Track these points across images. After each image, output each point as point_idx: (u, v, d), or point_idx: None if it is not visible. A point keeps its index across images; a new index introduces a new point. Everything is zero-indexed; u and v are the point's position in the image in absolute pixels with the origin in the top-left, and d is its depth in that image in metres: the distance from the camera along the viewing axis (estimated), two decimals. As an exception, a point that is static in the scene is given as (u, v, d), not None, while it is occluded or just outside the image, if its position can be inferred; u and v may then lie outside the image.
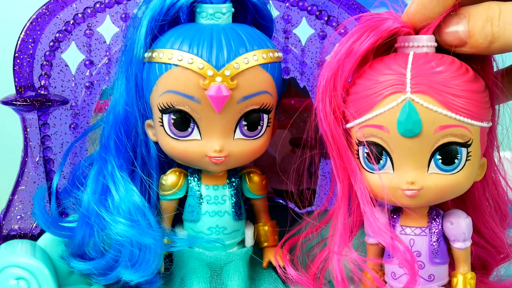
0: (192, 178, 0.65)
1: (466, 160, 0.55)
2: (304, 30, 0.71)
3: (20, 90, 0.69)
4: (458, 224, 0.58)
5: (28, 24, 0.68)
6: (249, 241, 0.66)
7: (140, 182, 0.64)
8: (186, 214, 0.65)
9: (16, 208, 0.71)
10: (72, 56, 0.70)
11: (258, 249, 0.68)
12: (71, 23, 0.69)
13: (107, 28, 0.70)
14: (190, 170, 0.65)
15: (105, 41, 0.70)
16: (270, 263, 0.68)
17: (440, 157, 0.55)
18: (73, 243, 0.65)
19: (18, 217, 0.71)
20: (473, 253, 0.61)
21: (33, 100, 0.68)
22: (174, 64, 0.59)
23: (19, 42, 0.68)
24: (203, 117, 0.60)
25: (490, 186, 0.61)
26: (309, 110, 0.63)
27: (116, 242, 0.62)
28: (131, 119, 0.63)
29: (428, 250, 0.58)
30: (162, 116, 0.61)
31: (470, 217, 0.59)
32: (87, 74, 0.70)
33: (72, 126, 0.71)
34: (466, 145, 0.55)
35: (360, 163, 0.57)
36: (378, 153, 0.56)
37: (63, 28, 0.69)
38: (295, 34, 0.71)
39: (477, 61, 0.57)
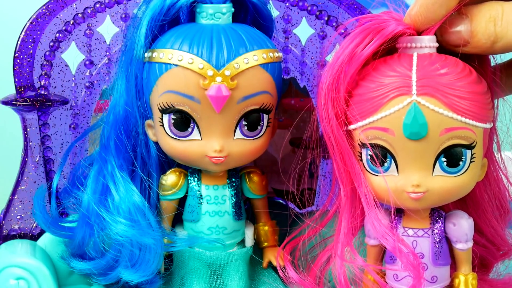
0: (192, 178, 0.65)
1: (471, 162, 0.55)
2: (304, 30, 0.71)
3: (20, 90, 0.69)
4: (461, 225, 0.58)
5: (28, 24, 0.68)
6: (249, 241, 0.66)
7: (140, 182, 0.64)
8: (186, 214, 0.65)
9: (16, 208, 0.71)
10: (72, 56, 0.70)
11: (258, 249, 0.68)
12: (71, 23, 0.69)
13: (107, 28, 0.70)
14: (190, 170, 0.65)
15: (105, 41, 0.70)
16: (270, 263, 0.68)
17: (445, 160, 0.55)
18: (73, 243, 0.65)
19: (18, 217, 0.71)
20: (474, 252, 0.61)
21: (33, 100, 0.68)
22: (174, 64, 0.59)
23: (19, 42, 0.68)
24: (203, 117, 0.60)
25: (491, 184, 0.61)
26: (309, 110, 0.63)
27: (116, 242, 0.62)
28: (131, 119, 0.63)
29: (431, 252, 0.58)
30: (162, 116, 0.61)
31: (472, 217, 0.59)
32: (87, 74, 0.70)
33: (72, 126, 0.71)
34: (470, 147, 0.55)
35: (363, 166, 0.57)
36: (383, 155, 0.55)
37: (63, 28, 0.69)
38: (295, 34, 0.71)
39: (476, 58, 0.57)
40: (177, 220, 0.66)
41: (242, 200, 0.66)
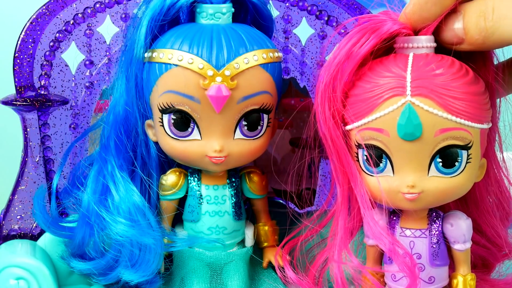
0: (192, 178, 0.65)
1: (467, 162, 0.55)
2: (304, 30, 0.71)
3: (20, 90, 0.69)
4: (458, 226, 0.58)
5: (28, 24, 0.68)
6: (249, 241, 0.66)
7: (140, 182, 0.64)
8: (186, 214, 0.65)
9: (16, 208, 0.71)
10: (72, 56, 0.70)
11: (258, 249, 0.68)
12: (71, 23, 0.69)
13: (107, 28, 0.70)
14: (190, 170, 0.65)
15: (105, 41, 0.70)
16: (270, 263, 0.68)
17: (440, 160, 0.55)
18: (73, 243, 0.65)
19: (18, 217, 0.71)
20: (475, 253, 0.61)
21: (33, 100, 0.68)
22: (174, 64, 0.59)
23: (19, 42, 0.68)
24: (203, 117, 0.60)
25: (492, 185, 0.61)
26: (309, 110, 0.63)
27: (116, 242, 0.62)
28: (131, 119, 0.63)
29: (428, 252, 0.58)
30: (162, 116, 0.61)
31: (472, 217, 0.59)
32: (87, 74, 0.70)
33: (72, 126, 0.71)
34: (466, 147, 0.55)
35: (360, 166, 0.57)
36: (378, 156, 0.55)
37: (63, 28, 0.69)
38: (295, 34, 0.71)
39: (479, 57, 0.57)
40: (177, 220, 0.66)
41: (242, 200, 0.66)
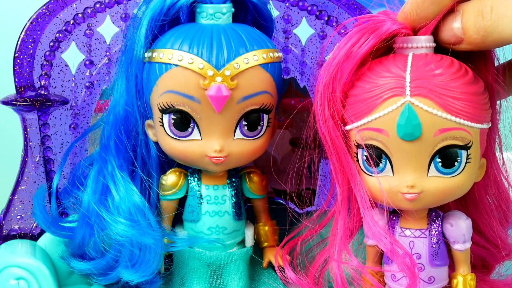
0: (192, 178, 0.65)
1: (466, 162, 0.55)
2: (304, 30, 0.71)
3: (20, 90, 0.69)
4: (458, 226, 0.58)
5: (28, 24, 0.68)
6: (249, 241, 0.66)
7: (140, 182, 0.64)
8: (186, 214, 0.65)
9: (16, 208, 0.71)
10: (72, 56, 0.70)
11: (258, 249, 0.68)
12: (71, 23, 0.69)
13: (107, 28, 0.70)
14: (190, 170, 0.65)
15: (105, 41, 0.70)
16: (270, 263, 0.68)
17: (440, 160, 0.55)
18: (73, 243, 0.65)
19: (18, 217, 0.71)
20: (474, 253, 0.61)
21: (33, 100, 0.68)
22: (174, 64, 0.59)
23: (19, 42, 0.68)
24: (203, 117, 0.60)
25: (492, 186, 0.61)
26: (309, 110, 0.63)
27: (116, 242, 0.62)
28: (131, 119, 0.63)
29: (428, 252, 0.58)
30: (162, 116, 0.61)
31: (471, 218, 0.59)
32: (87, 74, 0.70)
33: (72, 126, 0.71)
34: (466, 147, 0.55)
35: (359, 166, 0.57)
36: (378, 156, 0.55)
37: (63, 28, 0.69)
38: (295, 34, 0.71)
39: (479, 57, 0.57)
40: (177, 220, 0.66)
41: (242, 200, 0.66)
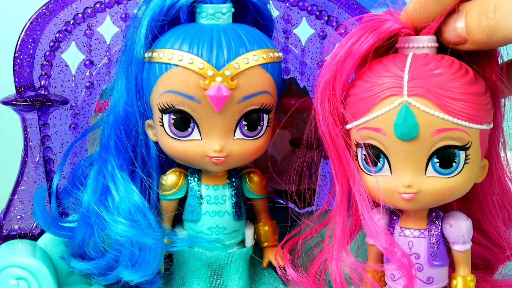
0: (192, 178, 0.65)
1: (465, 163, 0.55)
2: (304, 30, 0.71)
3: (20, 90, 0.69)
4: (458, 227, 0.58)
5: (28, 24, 0.68)
6: (249, 241, 0.66)
7: (140, 182, 0.64)
8: (186, 214, 0.65)
9: (16, 208, 0.71)
10: (72, 56, 0.70)
11: (258, 249, 0.68)
12: (71, 23, 0.69)
13: (107, 28, 0.70)
14: (190, 170, 0.65)
15: (105, 41, 0.70)
16: (270, 263, 0.68)
17: (437, 161, 0.54)
18: (73, 243, 0.65)
19: (18, 217, 0.71)
20: (477, 254, 0.61)
21: (33, 100, 0.68)
22: (174, 64, 0.59)
23: (19, 42, 0.68)
24: (203, 117, 0.60)
25: (496, 186, 0.61)
26: (309, 110, 0.63)
27: (116, 242, 0.62)
28: (131, 119, 0.63)
29: (426, 253, 0.58)
30: (162, 116, 0.61)
31: (475, 218, 0.59)
32: (87, 74, 0.70)
33: (72, 126, 0.71)
34: (464, 148, 0.54)
35: (359, 165, 0.57)
36: (376, 155, 0.55)
37: (63, 28, 0.69)
38: (295, 34, 0.71)
39: (483, 56, 0.57)
40: (177, 220, 0.66)
41: (242, 200, 0.66)
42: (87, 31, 0.69)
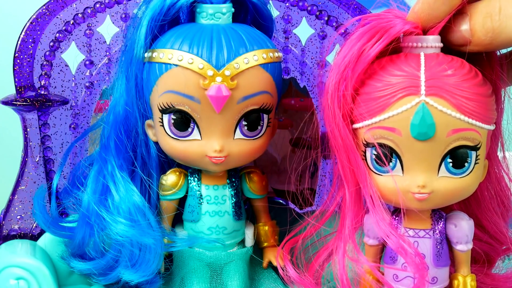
0: (192, 178, 0.65)
1: (475, 163, 0.55)
2: (304, 30, 0.71)
3: (20, 90, 0.69)
4: (461, 227, 0.58)
5: (28, 24, 0.68)
6: (249, 241, 0.66)
7: (140, 182, 0.64)
8: (186, 214, 0.65)
9: (16, 208, 0.71)
10: (72, 56, 0.70)
11: (258, 249, 0.68)
12: (71, 23, 0.69)
13: (107, 28, 0.70)
14: (190, 170, 0.65)
15: (105, 41, 0.70)
16: (270, 263, 0.68)
17: (451, 161, 0.54)
18: (73, 243, 0.65)
19: (18, 217, 0.71)
20: (477, 248, 0.61)
21: (33, 100, 0.68)
22: (174, 64, 0.59)
23: (19, 42, 0.68)
24: (203, 117, 0.60)
25: (493, 182, 0.61)
26: (309, 110, 0.63)
27: (116, 242, 0.62)
28: (131, 119, 0.63)
29: (432, 253, 0.58)
30: (162, 116, 0.61)
31: (474, 215, 0.59)
32: (87, 74, 0.70)
33: (72, 126, 0.71)
34: (476, 148, 0.55)
35: (367, 165, 0.57)
36: (388, 155, 0.55)
37: (63, 28, 0.69)
38: (295, 34, 0.71)
39: (483, 57, 0.57)
40: (177, 220, 0.66)
41: (242, 200, 0.66)
42: (87, 31, 0.69)
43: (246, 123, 0.61)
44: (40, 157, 0.70)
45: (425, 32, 0.56)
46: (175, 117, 0.60)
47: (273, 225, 0.68)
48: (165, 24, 0.61)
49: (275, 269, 0.67)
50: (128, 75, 0.62)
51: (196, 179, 0.64)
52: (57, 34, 0.69)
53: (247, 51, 0.60)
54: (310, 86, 0.71)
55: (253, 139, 0.62)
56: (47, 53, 0.69)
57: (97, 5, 0.69)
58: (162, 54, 0.60)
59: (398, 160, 0.55)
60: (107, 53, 0.70)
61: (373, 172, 0.56)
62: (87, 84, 0.70)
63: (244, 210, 0.66)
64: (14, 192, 0.71)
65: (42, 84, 0.69)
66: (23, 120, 0.70)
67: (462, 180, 0.55)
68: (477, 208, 0.61)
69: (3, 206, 0.71)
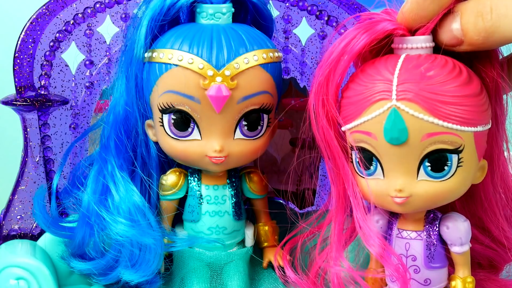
0: (192, 178, 0.65)
1: (458, 166, 0.54)
2: (304, 30, 0.71)
3: (20, 90, 0.69)
4: (455, 228, 0.57)
5: (28, 24, 0.68)
6: (249, 241, 0.66)
7: (140, 182, 0.64)
8: (186, 214, 0.65)
9: (16, 208, 0.71)
10: (72, 56, 0.70)
11: (258, 249, 0.68)
12: (71, 23, 0.69)
13: (107, 28, 0.70)
14: (190, 170, 0.65)
15: (105, 41, 0.70)
16: (270, 263, 0.68)
17: (429, 164, 0.54)
18: (73, 243, 0.65)
19: (18, 217, 0.71)
20: (481, 253, 0.61)
21: (33, 100, 0.68)
22: (174, 64, 0.59)
23: (19, 42, 0.68)
24: (203, 117, 0.60)
25: (498, 183, 0.60)
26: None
27: (116, 242, 0.62)
28: (131, 119, 0.63)
29: (423, 255, 0.57)
30: (162, 116, 0.61)
31: (478, 217, 0.59)
32: (87, 74, 0.70)
33: (72, 126, 0.71)
34: (456, 151, 0.53)
35: (354, 168, 0.57)
36: (369, 159, 0.55)
37: (63, 28, 0.69)
38: (295, 34, 0.71)
39: (484, 55, 0.56)
40: (177, 220, 0.66)
41: (242, 200, 0.66)
42: (87, 31, 0.69)
43: (246, 123, 0.61)
44: (40, 157, 0.70)
45: (413, 32, 0.55)
46: (175, 117, 0.60)
47: (273, 225, 0.68)
48: (165, 24, 0.61)
49: (275, 269, 0.67)
50: (128, 75, 0.62)
51: (196, 179, 0.64)
52: (57, 34, 0.69)
53: (247, 51, 0.60)
54: (310, 86, 0.71)
55: (253, 139, 0.62)
56: (47, 53, 0.69)
57: (97, 5, 0.69)
58: (162, 54, 0.60)
59: (378, 164, 0.55)
60: (107, 53, 0.70)
61: (359, 175, 0.56)
62: (87, 84, 0.70)
63: (244, 210, 0.66)
64: (14, 192, 0.71)
65: (42, 84, 0.69)
66: (23, 120, 0.70)
67: (444, 183, 0.54)
68: (481, 210, 0.60)
69: (3, 206, 0.71)
